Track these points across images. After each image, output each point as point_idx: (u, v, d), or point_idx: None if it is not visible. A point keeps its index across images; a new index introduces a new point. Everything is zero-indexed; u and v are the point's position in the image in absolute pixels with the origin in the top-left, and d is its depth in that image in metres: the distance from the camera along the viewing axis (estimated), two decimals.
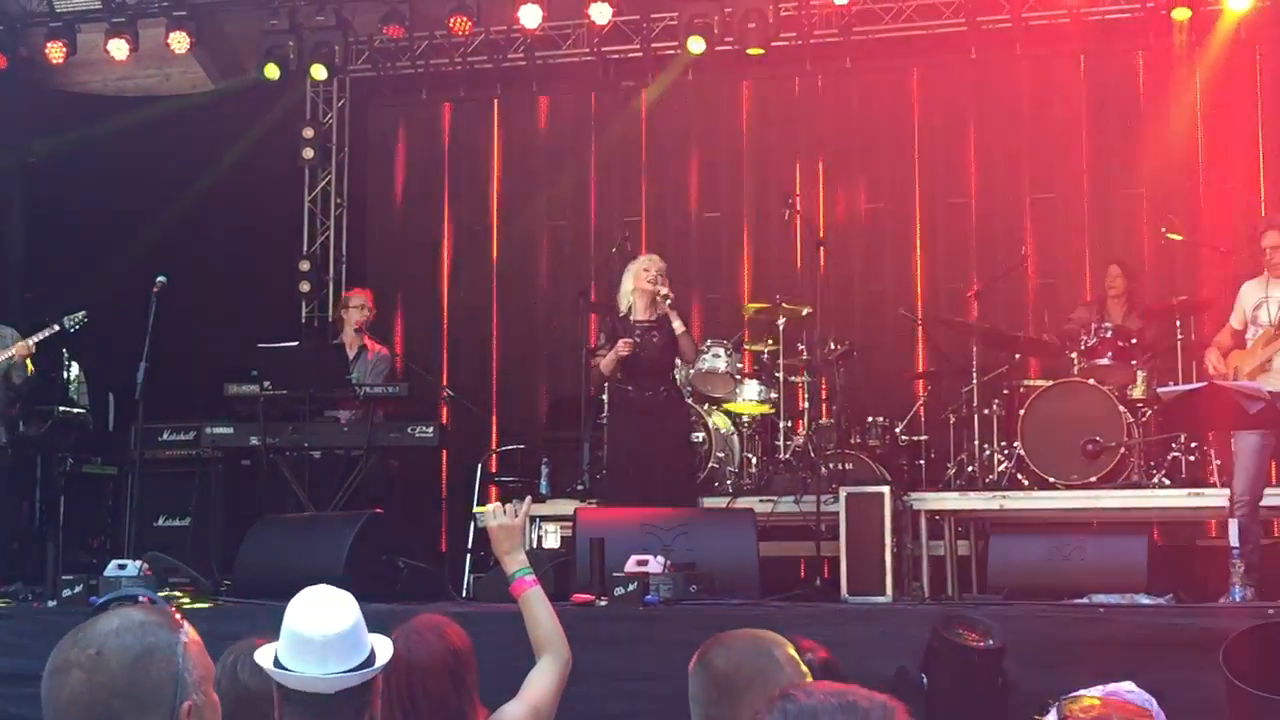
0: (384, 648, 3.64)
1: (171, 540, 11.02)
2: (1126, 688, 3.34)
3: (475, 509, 11.17)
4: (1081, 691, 3.31)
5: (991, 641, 5.52)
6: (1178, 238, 11.21)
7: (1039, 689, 3.47)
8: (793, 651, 3.47)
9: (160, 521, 11.44)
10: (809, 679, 3.41)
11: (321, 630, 3.48)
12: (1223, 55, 12.31)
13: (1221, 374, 8.97)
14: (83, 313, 10.72)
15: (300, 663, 3.47)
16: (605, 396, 11.35)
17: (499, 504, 4.74)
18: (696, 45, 12.59)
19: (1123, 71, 12.70)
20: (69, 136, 13.44)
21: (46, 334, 10.63)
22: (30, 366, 10.71)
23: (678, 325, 9.68)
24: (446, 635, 4.25)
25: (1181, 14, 11.86)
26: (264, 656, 3.49)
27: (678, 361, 10.26)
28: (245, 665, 3.80)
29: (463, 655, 4.23)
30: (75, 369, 12.85)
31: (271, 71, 13.21)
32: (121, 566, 8.50)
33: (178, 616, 2.58)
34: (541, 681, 4.42)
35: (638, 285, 9.94)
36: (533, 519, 10.33)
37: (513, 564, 4.59)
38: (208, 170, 13.21)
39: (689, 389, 10.75)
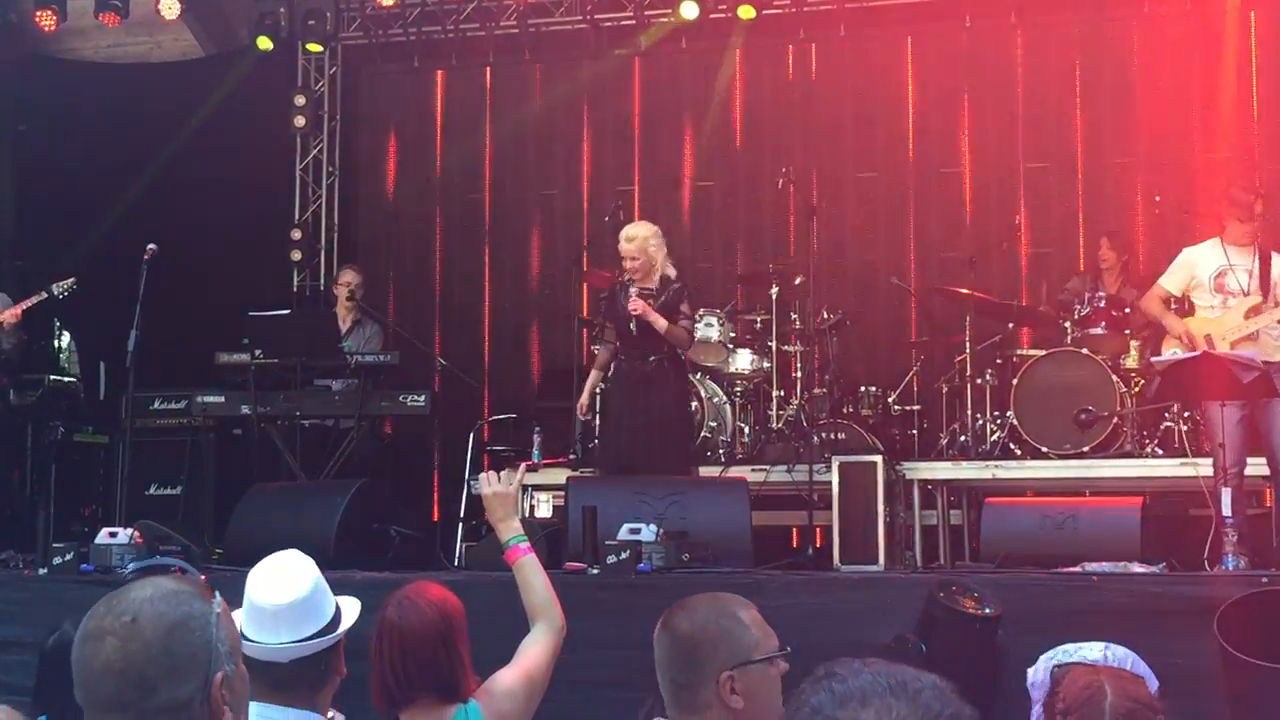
0: (350, 610, 3.61)
1: (163, 508, 10.99)
2: (1105, 648, 3.33)
3: (469, 477, 11.16)
4: (1060, 653, 3.29)
5: (989, 609, 5.51)
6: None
7: (1032, 656, 3.45)
8: (756, 613, 3.46)
9: (151, 490, 11.41)
10: (773, 639, 3.40)
11: (274, 599, 3.46)
12: (1217, 24, 12.27)
13: (1193, 342, 8.86)
14: (72, 279, 10.68)
15: (255, 631, 3.46)
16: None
17: (493, 472, 4.73)
18: (690, 10, 12.53)
19: (1117, 40, 12.66)
20: (59, 104, 13.39)
21: (35, 300, 10.60)
22: (20, 333, 10.68)
23: (659, 323, 9.46)
24: (438, 602, 4.25)
25: None
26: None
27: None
28: None
29: (454, 622, 4.23)
30: (66, 338, 12.83)
31: (264, 44, 13.16)
32: (113, 535, 8.47)
33: (208, 586, 2.57)
34: (535, 649, 4.41)
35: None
36: (525, 488, 10.32)
37: (507, 531, 4.58)
38: (199, 138, 13.16)
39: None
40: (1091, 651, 3.33)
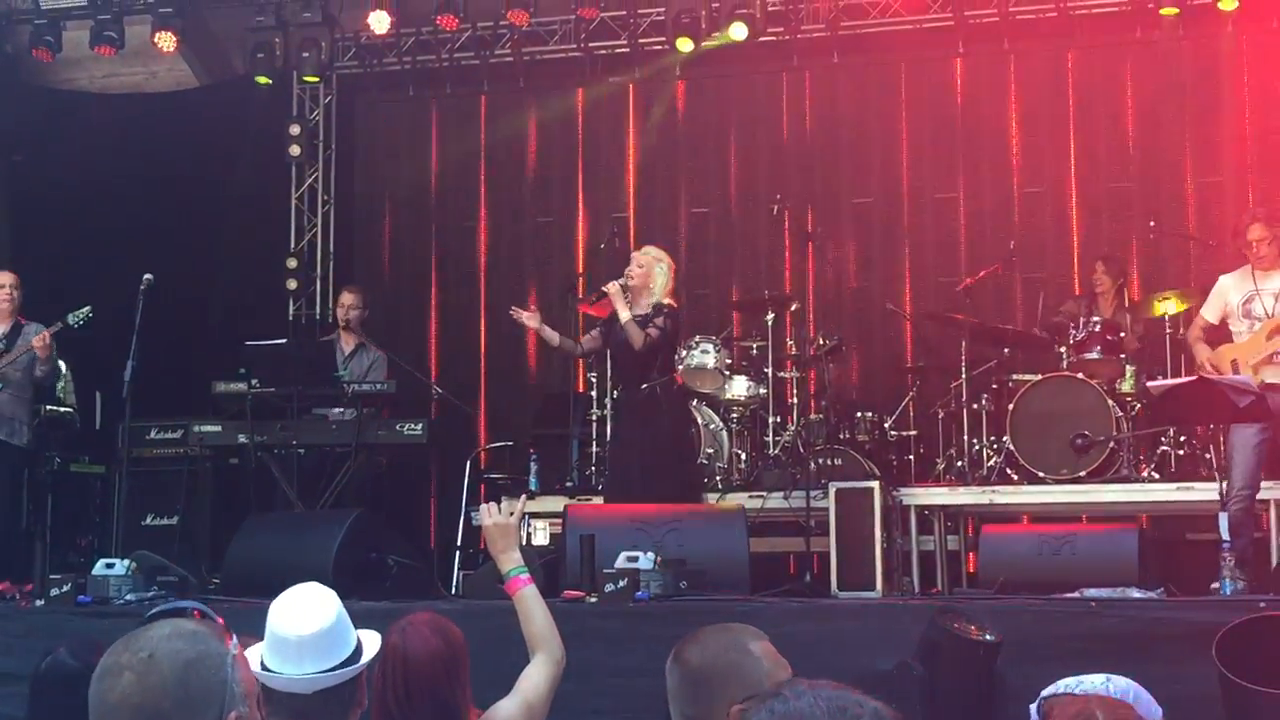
0: (371, 644, 3.62)
1: (159, 539, 10.98)
2: (1107, 680, 3.33)
3: (467, 506, 11.16)
4: (1062, 687, 3.29)
5: (989, 636, 5.51)
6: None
7: (1030, 683, 3.45)
8: (768, 644, 3.45)
9: (148, 520, 11.41)
10: (786, 670, 3.40)
11: (298, 630, 3.47)
12: (1210, 48, 12.32)
13: (1217, 370, 8.93)
14: (88, 308, 10.68)
15: (278, 662, 3.47)
16: (593, 393, 11.36)
17: (493, 503, 4.73)
18: (685, 46, 12.57)
19: (1110, 66, 12.70)
20: (55, 134, 13.40)
21: (55, 329, 10.62)
22: (54, 360, 10.73)
23: (623, 314, 9.52)
24: (443, 630, 4.25)
25: (1169, 10, 11.85)
26: (252, 657, 3.48)
27: (681, 356, 10.18)
28: None
29: (458, 651, 4.23)
30: (62, 367, 12.80)
31: (263, 80, 13.20)
32: (109, 565, 8.46)
33: (226, 629, 2.60)
34: (535, 679, 4.41)
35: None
36: (523, 516, 10.30)
37: (507, 563, 4.58)
38: (194, 168, 13.17)
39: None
40: (1091, 683, 3.32)
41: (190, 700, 2.45)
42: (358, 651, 3.58)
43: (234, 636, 2.58)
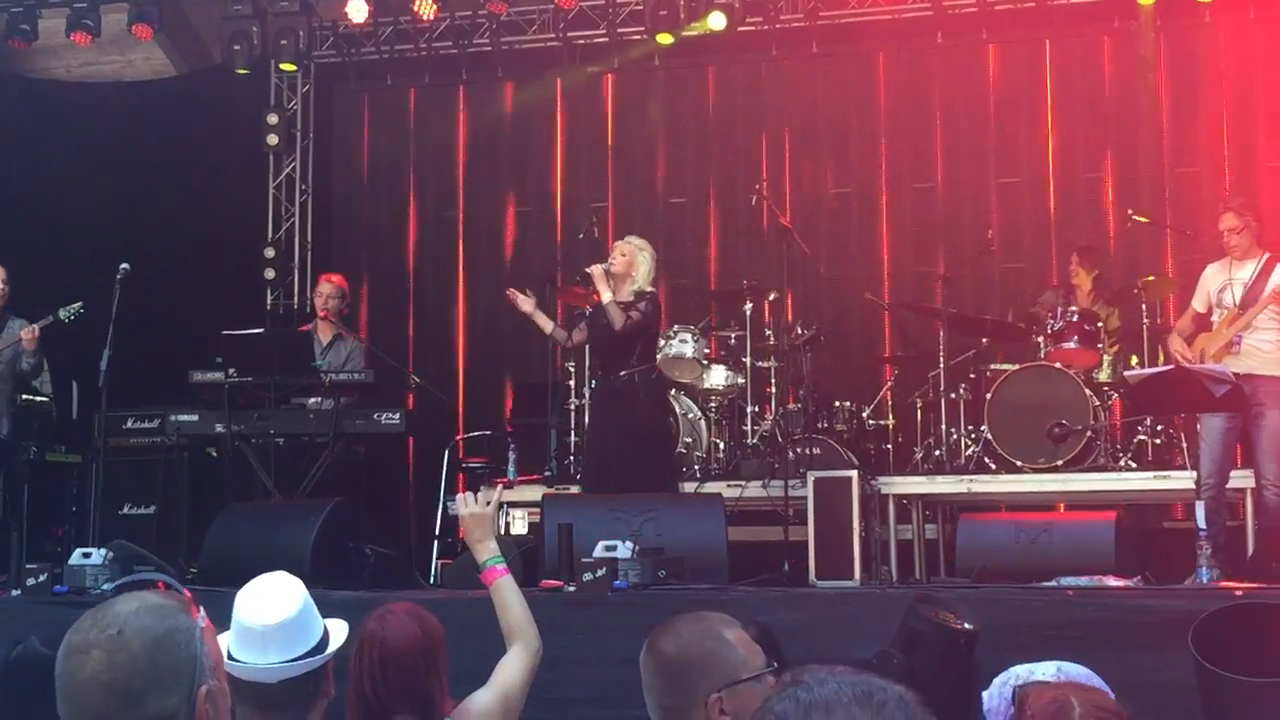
0: (338, 633, 3.61)
1: (137, 528, 10.95)
2: (1058, 668, 3.33)
3: (445, 495, 11.15)
4: (1023, 673, 3.29)
5: (968, 624, 5.50)
6: (1144, 219, 11.23)
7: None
8: (741, 631, 3.44)
9: (125, 509, 11.37)
10: (760, 657, 3.39)
11: (263, 619, 3.46)
12: (1188, 39, 12.35)
13: (1187, 359, 8.99)
14: (79, 304, 10.66)
15: (244, 652, 3.46)
16: (571, 382, 11.36)
17: (470, 492, 4.71)
18: (665, 40, 12.57)
19: (1088, 56, 12.73)
20: (31, 123, 13.34)
21: (45, 323, 10.59)
22: (40, 354, 10.69)
23: (605, 295, 9.55)
24: (422, 619, 4.24)
25: (1147, 0, 11.89)
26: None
27: (661, 344, 10.17)
28: None
29: (436, 640, 4.23)
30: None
31: (242, 71, 13.16)
32: (87, 555, 8.43)
33: (193, 601, 2.58)
34: (512, 669, 4.40)
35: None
36: (501, 505, 10.30)
37: (484, 552, 4.57)
38: (172, 156, 13.13)
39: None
40: (1045, 671, 3.32)
41: (160, 676, 2.42)
42: (324, 641, 3.57)
43: (201, 608, 2.55)
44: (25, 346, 10.53)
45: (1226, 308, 9.10)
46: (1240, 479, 9.13)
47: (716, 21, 12.29)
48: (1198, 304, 9.32)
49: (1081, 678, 3.26)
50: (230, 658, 3.43)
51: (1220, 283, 9.16)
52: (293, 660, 3.47)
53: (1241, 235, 9.11)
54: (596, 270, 9.59)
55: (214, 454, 11.26)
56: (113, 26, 13.18)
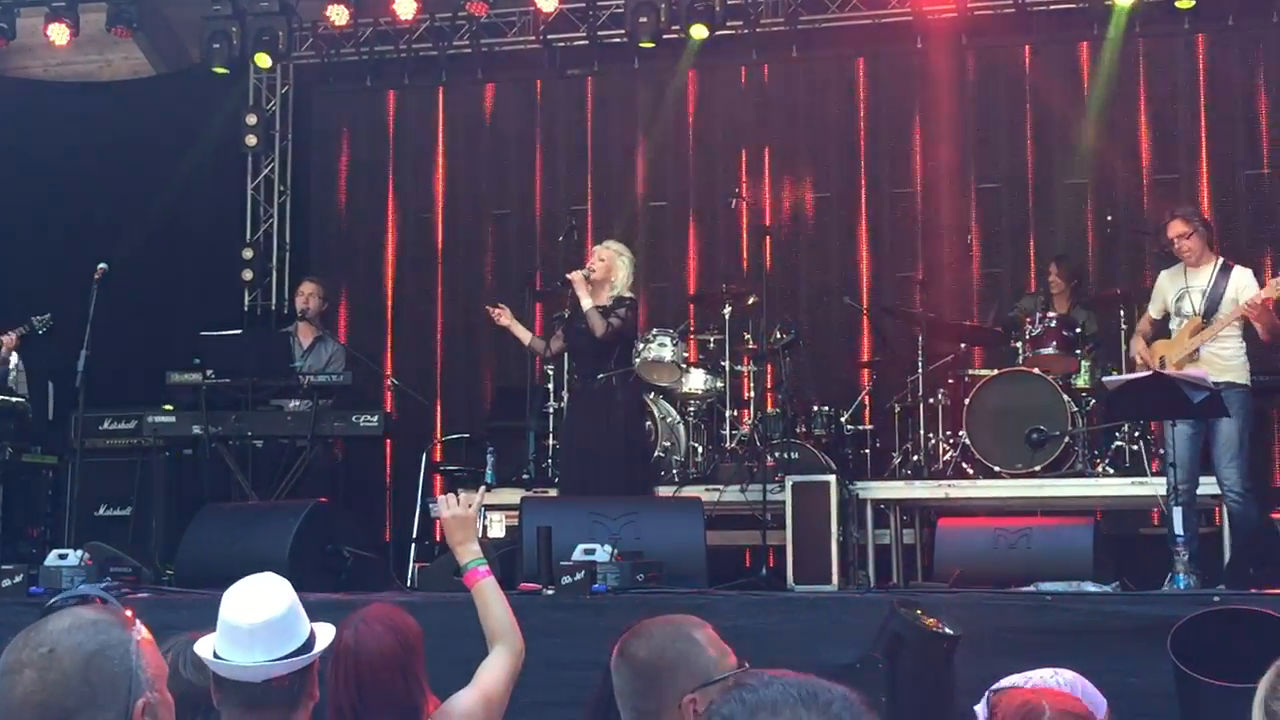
0: (325, 635, 3.61)
1: (113, 530, 10.93)
2: (1054, 675, 3.33)
3: (425, 498, 11.14)
4: (1007, 681, 3.29)
5: (949, 629, 5.52)
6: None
7: (985, 676, 3.45)
8: (711, 631, 3.45)
9: (101, 511, 11.34)
10: (731, 657, 3.40)
11: (249, 619, 3.46)
12: (1167, 46, 12.39)
13: (1145, 360, 9.09)
14: (49, 315, 10.65)
15: (229, 651, 3.46)
16: (550, 385, 11.34)
17: (452, 494, 4.70)
18: (647, 46, 12.60)
19: (1067, 62, 12.75)
20: (7, 122, 13.30)
21: (20, 332, 10.57)
22: (13, 359, 10.65)
23: (585, 301, 9.59)
24: (396, 626, 4.21)
25: (1123, 6, 11.90)
26: (204, 647, 3.47)
27: (639, 348, 10.18)
28: (186, 660, 3.77)
29: (411, 644, 4.20)
30: (14, 358, 12.70)
31: (220, 70, 13.11)
32: (62, 556, 8.39)
33: (130, 615, 2.57)
34: (494, 671, 4.39)
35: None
36: (480, 508, 10.27)
37: (466, 555, 4.56)
38: (149, 157, 13.10)
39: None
40: (1039, 678, 3.33)
41: (94, 693, 2.42)
42: (310, 642, 3.57)
43: (137, 621, 2.55)
44: (4, 352, 10.49)
45: (1186, 315, 9.16)
46: (1211, 485, 9.16)
47: (699, 33, 12.37)
48: (1154, 311, 9.42)
49: (1076, 685, 3.26)
50: (216, 656, 3.43)
51: (1177, 290, 9.23)
52: (278, 659, 3.47)
53: (1192, 240, 9.18)
54: (577, 276, 9.62)
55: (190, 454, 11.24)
56: (91, 26, 13.15)
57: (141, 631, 2.53)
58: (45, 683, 2.41)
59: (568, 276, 9.70)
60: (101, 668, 2.44)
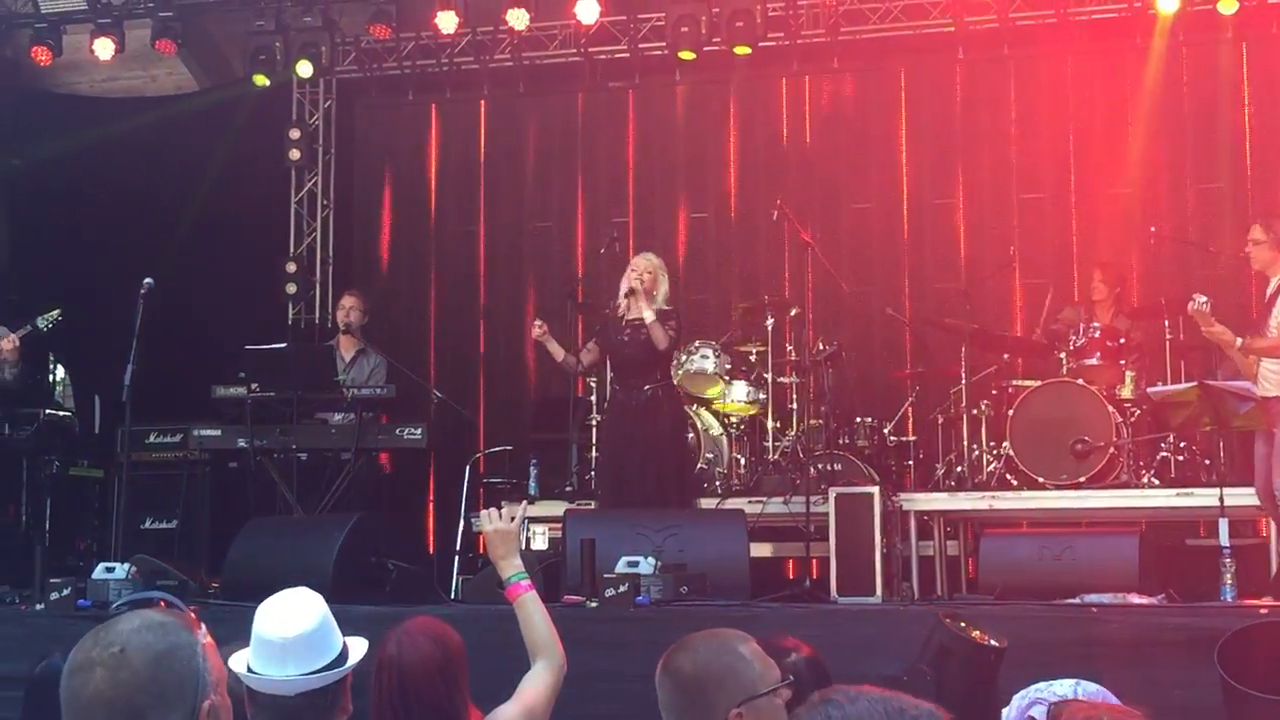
0: (358, 649, 3.62)
1: (159, 543, 10.99)
2: (1077, 685, 3.32)
3: (467, 511, 11.16)
4: (1042, 688, 3.27)
5: (995, 641, 5.50)
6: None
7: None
8: (756, 645, 3.45)
9: (147, 524, 11.40)
10: (775, 671, 3.39)
11: (281, 632, 3.47)
12: (1210, 55, 12.32)
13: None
14: (56, 311, 10.68)
15: (262, 664, 3.47)
16: (593, 398, 11.36)
17: (495, 509, 4.71)
18: (687, 56, 12.60)
19: (1110, 71, 12.69)
20: (54, 138, 13.40)
21: (24, 332, 10.59)
22: (21, 363, 10.67)
23: (648, 314, 9.62)
24: (439, 638, 4.22)
25: (1168, 6, 11.78)
26: (238, 662, 3.49)
27: (680, 360, 10.21)
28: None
29: (455, 657, 4.21)
30: (61, 372, 12.81)
31: (261, 80, 13.17)
32: (109, 569, 8.45)
33: (195, 618, 2.60)
34: (536, 685, 4.40)
35: (627, 283, 9.91)
36: (523, 521, 10.28)
37: (508, 569, 4.57)
38: (194, 172, 13.16)
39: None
40: (1061, 688, 3.31)
41: (163, 692, 2.46)
42: (342, 656, 3.58)
43: (203, 625, 2.58)
44: (6, 356, 10.51)
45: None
46: (1246, 497, 9.06)
47: (741, 50, 12.39)
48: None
49: (1097, 696, 3.25)
50: (249, 670, 3.45)
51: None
52: (311, 673, 3.48)
53: (1259, 249, 9.04)
54: (639, 287, 9.67)
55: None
56: (136, 42, 13.24)
57: (206, 635, 2.56)
58: (116, 681, 2.44)
59: (631, 287, 9.71)
60: (171, 668, 2.47)
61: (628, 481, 9.65)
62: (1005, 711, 3.31)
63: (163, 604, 2.69)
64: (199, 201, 13.13)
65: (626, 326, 9.82)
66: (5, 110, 13.73)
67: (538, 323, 10.07)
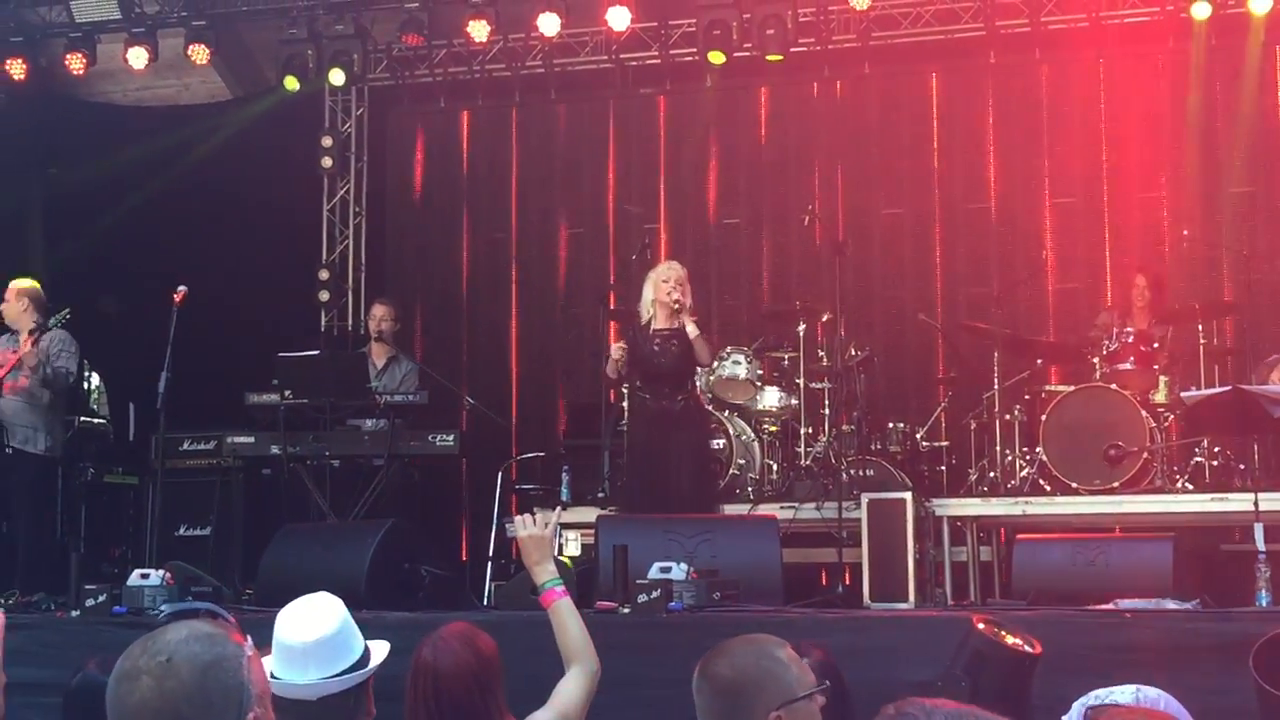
0: (379, 652, 3.63)
1: (193, 549, 11.02)
2: (1138, 691, 3.30)
3: (501, 517, 11.17)
4: (1093, 698, 3.26)
5: (1029, 648, 5.48)
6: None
7: (1064, 694, 3.43)
8: (792, 650, 3.46)
9: (181, 531, 11.44)
10: (811, 675, 3.41)
11: (302, 637, 3.49)
12: (1242, 57, 12.26)
13: None
14: (66, 310, 10.75)
15: (284, 669, 3.49)
16: (625, 403, 11.35)
17: (529, 515, 4.72)
18: (717, 59, 12.58)
19: (1143, 75, 12.66)
20: (89, 147, 13.48)
21: (35, 335, 10.65)
22: (42, 365, 10.69)
23: (691, 329, 9.63)
24: (473, 643, 4.24)
25: (1201, 11, 11.75)
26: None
27: (699, 370, 10.24)
28: None
29: (489, 663, 4.23)
30: (95, 379, 12.87)
31: (291, 84, 13.21)
32: (144, 576, 8.48)
33: (240, 630, 2.62)
34: (570, 691, 4.41)
35: (657, 295, 9.86)
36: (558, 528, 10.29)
37: (543, 575, 4.58)
38: (227, 179, 13.23)
39: (709, 395, 10.73)
40: (1123, 695, 3.30)
41: (209, 703, 2.48)
42: (364, 659, 3.60)
43: (248, 637, 2.60)
44: (26, 359, 10.56)
45: None
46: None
47: (774, 58, 12.40)
48: None
49: (1158, 702, 3.24)
50: (272, 676, 3.46)
51: None
52: (332, 677, 3.50)
53: None
54: (686, 302, 9.65)
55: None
56: (169, 51, 13.31)
57: (251, 647, 2.58)
58: (162, 690, 2.46)
59: (682, 303, 9.65)
60: (217, 679, 2.49)
61: (658, 489, 9.65)
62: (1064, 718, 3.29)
63: (207, 614, 2.71)
64: (233, 209, 13.20)
65: (655, 337, 9.77)
66: (41, 120, 13.81)
67: (619, 345, 10.02)
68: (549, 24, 12.69)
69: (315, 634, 3.51)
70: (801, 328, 11.08)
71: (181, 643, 2.51)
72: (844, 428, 11.14)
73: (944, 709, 2.09)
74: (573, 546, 10.26)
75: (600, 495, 10.85)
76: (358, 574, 8.40)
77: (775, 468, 11.02)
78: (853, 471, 10.50)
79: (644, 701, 6.46)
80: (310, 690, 3.49)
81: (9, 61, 13.33)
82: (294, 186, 13.87)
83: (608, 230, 13.68)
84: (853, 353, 11.17)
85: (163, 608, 7.92)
